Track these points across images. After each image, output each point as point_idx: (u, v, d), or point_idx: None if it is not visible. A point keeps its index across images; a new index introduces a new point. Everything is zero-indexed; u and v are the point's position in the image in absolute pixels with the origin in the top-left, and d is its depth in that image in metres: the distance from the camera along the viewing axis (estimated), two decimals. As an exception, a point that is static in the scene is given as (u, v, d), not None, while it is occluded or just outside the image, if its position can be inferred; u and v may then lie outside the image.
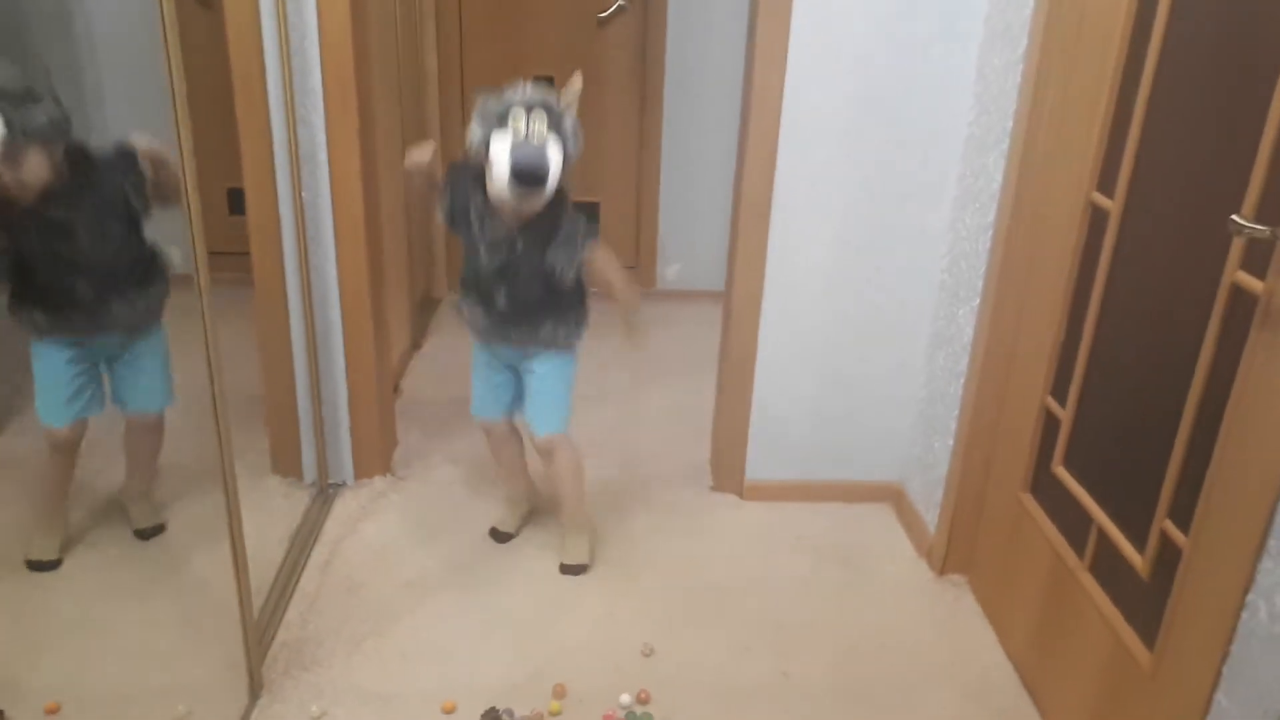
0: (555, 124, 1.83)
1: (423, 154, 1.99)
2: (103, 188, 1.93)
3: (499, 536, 2.34)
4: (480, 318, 2.07)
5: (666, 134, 3.67)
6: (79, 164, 1.90)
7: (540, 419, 2.16)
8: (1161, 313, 1.61)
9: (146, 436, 2.25)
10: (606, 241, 2.05)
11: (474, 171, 1.92)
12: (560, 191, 1.93)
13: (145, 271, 2.07)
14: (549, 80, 1.92)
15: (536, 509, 2.42)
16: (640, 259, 3.88)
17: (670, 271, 3.88)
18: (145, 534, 2.28)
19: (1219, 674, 1.31)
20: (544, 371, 2.12)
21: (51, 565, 2.17)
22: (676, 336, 3.34)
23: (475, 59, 3.64)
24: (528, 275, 2.00)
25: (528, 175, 1.81)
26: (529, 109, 1.81)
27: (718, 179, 3.69)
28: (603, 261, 2.03)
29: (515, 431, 2.29)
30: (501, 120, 1.81)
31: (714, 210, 3.72)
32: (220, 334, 1.60)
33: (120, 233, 2.00)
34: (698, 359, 3.12)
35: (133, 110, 3.37)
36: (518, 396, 2.22)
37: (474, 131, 1.87)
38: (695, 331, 3.32)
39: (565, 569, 2.24)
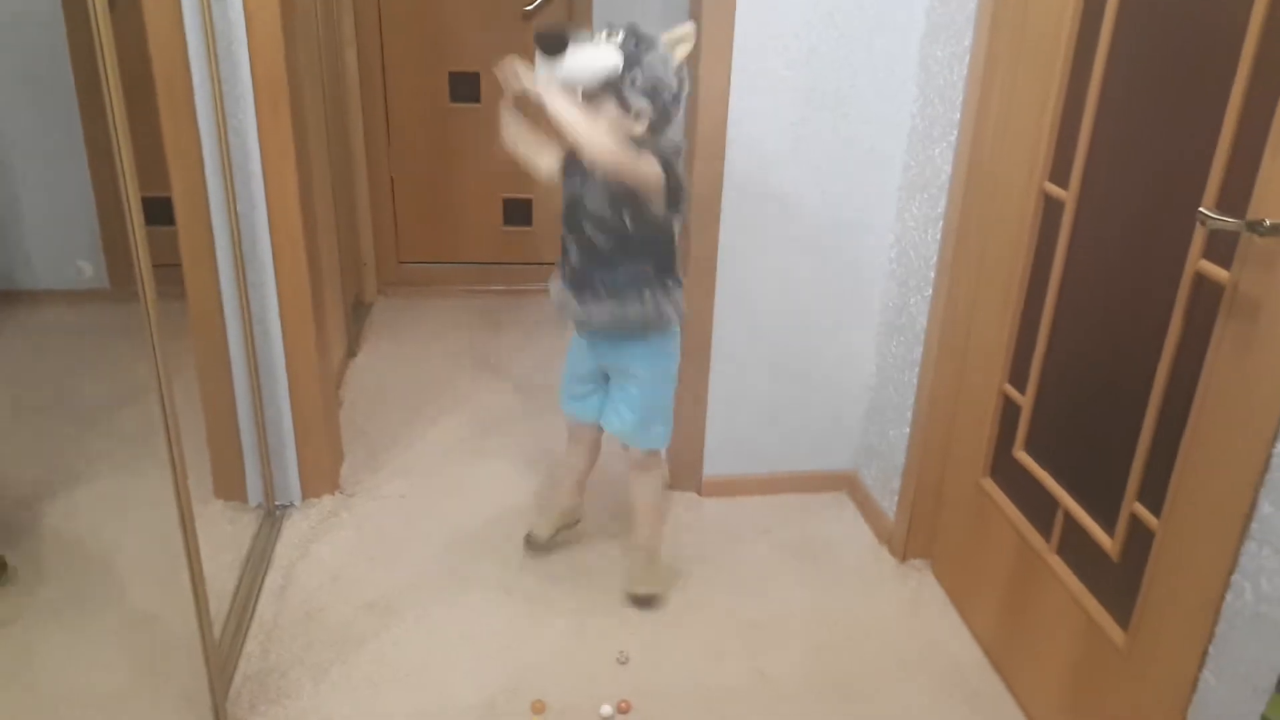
0: (631, 44, 1.69)
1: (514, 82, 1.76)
2: None
3: (533, 544, 2.25)
4: (561, 280, 1.90)
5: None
6: None
7: (635, 431, 1.99)
8: (1121, 300, 1.64)
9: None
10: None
11: None
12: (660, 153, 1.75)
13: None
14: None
15: (573, 526, 2.32)
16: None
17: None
18: None
19: (1204, 653, 1.35)
20: (639, 367, 1.93)
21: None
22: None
23: (396, 53, 3.54)
24: (604, 204, 1.77)
25: (545, 38, 1.69)
26: (611, 28, 1.71)
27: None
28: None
29: (598, 445, 2.18)
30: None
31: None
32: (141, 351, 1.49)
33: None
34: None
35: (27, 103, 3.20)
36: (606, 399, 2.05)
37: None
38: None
39: (636, 600, 2.12)
